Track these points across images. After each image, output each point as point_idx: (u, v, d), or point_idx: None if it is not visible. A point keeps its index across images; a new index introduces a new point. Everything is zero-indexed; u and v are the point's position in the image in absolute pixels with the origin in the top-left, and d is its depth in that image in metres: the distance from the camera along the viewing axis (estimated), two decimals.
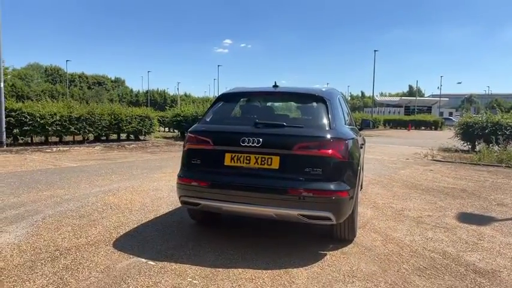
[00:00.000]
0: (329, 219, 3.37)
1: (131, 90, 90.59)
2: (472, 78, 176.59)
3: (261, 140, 3.47)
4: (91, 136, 15.37)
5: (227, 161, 3.58)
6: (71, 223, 4.40)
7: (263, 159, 3.47)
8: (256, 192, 3.43)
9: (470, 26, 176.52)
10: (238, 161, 3.54)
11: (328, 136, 3.47)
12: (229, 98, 4.45)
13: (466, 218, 5.08)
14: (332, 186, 3.35)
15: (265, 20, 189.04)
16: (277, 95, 4.43)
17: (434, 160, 11.88)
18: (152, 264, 3.26)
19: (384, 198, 6.15)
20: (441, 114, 62.90)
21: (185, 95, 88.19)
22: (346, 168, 3.48)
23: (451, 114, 69.43)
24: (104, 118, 14.94)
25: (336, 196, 3.34)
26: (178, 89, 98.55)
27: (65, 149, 12.93)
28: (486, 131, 13.65)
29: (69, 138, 14.78)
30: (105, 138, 15.92)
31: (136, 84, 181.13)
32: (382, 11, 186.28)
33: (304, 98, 4.25)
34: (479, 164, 10.86)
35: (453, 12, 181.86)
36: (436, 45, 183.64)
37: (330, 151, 3.39)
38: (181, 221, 4.57)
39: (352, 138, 3.77)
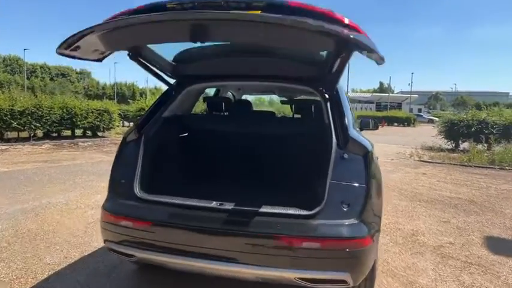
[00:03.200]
0: (344, 282, 2.09)
1: (97, 83, 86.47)
2: (440, 76, 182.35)
3: None
4: (39, 133, 13.46)
5: None
6: None
7: None
8: (225, 237, 2.11)
9: (439, 24, 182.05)
10: None
11: None
12: None
13: (496, 245, 3.96)
14: (345, 231, 2.07)
15: None
16: None
17: (422, 161, 10.93)
18: None
19: (386, 215, 4.96)
20: (411, 110, 63.63)
21: (155, 88, 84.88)
22: (366, 198, 2.19)
23: (420, 110, 70.46)
24: (54, 112, 13.06)
25: (353, 247, 2.06)
26: (147, 81, 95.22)
27: (3, 147, 11.04)
28: (472, 129, 12.90)
29: (13, 134, 12.85)
30: (56, 134, 14.01)
31: (104, 76, 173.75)
32: (354, 6, 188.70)
33: None
34: (470, 166, 10.00)
35: (423, 10, 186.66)
36: (406, 42, 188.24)
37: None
38: (117, 265, 3.15)
39: (371, 151, 2.49)
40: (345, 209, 2.11)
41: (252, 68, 2.73)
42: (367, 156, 2.28)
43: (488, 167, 9.81)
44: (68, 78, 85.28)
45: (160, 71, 2.83)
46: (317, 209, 2.09)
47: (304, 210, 2.14)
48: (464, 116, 13.63)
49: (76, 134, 14.75)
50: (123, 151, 2.60)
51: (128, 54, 2.45)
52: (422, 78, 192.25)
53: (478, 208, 5.53)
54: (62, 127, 13.78)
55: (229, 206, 2.20)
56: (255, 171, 3.12)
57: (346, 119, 2.43)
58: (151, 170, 2.54)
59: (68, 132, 14.61)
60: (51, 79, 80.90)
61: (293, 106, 3.18)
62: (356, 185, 2.18)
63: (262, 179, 3.05)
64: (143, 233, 2.21)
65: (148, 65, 2.65)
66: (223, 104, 3.28)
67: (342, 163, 2.24)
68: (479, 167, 9.90)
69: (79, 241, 3.68)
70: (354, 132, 2.44)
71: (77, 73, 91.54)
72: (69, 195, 5.48)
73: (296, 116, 3.41)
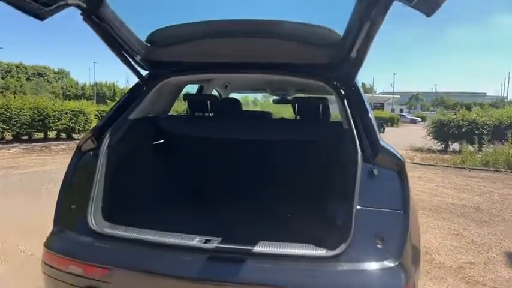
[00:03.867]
0: None
1: (76, 83, 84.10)
2: (420, 77, 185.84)
3: None
4: (8, 135, 12.51)
5: None
6: None
7: None
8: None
9: (420, 27, 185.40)
10: None
11: None
12: None
13: None
14: (382, 280, 1.49)
15: None
16: None
17: (414, 163, 10.53)
18: None
19: None
20: (393, 110, 64.13)
21: None
22: (406, 229, 1.62)
23: (401, 110, 71.14)
24: (23, 113, 12.13)
25: None
26: (128, 81, 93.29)
27: None
28: (463, 129, 12.63)
29: None
30: (27, 137, 13.06)
31: (83, 76, 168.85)
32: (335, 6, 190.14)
33: None
34: (465, 168, 9.65)
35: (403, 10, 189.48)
36: (388, 44, 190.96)
37: None
38: None
39: (405, 164, 1.91)
40: (379, 246, 1.54)
41: (246, 54, 2.12)
42: (402, 171, 1.72)
43: (483, 169, 9.48)
44: (45, 78, 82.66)
45: (129, 54, 2.13)
46: (342, 247, 1.51)
47: (322, 248, 1.56)
48: (454, 116, 13.37)
49: (49, 137, 13.82)
50: (76, 165, 1.97)
51: (82, 13, 1.77)
52: (402, 79, 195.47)
53: (487, 217, 5.07)
54: (33, 129, 12.86)
55: (216, 243, 1.59)
56: (252, 192, 2.49)
57: (372, 122, 1.86)
58: (113, 191, 1.92)
59: (40, 135, 13.67)
60: (28, 79, 78.14)
61: (296, 105, 2.58)
62: (392, 211, 1.62)
63: (262, 204, 2.43)
64: (99, 283, 1.58)
65: (110, 35, 1.95)
66: (209, 102, 2.66)
67: (371, 181, 1.67)
68: (474, 169, 9.57)
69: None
70: (381, 140, 1.87)
71: (54, 73, 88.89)
72: (27, 211, 4.75)
73: (297, 118, 2.78)
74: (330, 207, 2.05)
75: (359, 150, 1.71)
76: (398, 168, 1.71)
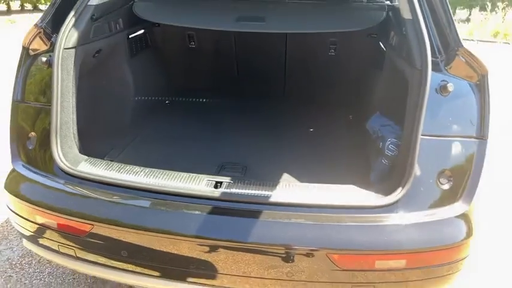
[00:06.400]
0: None
1: None
2: None
3: None
4: None
5: None
6: None
7: None
8: (223, 255, 1.17)
9: None
10: None
11: None
12: None
13: None
14: (452, 231, 1.17)
15: None
16: None
17: None
18: None
19: None
20: None
21: None
22: (482, 163, 1.21)
23: None
24: None
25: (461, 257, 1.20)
26: None
27: None
28: None
29: None
30: None
31: None
32: None
33: None
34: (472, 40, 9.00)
35: None
36: None
37: None
38: None
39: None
40: (444, 187, 1.17)
41: None
42: (485, 81, 1.21)
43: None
44: None
45: None
46: (399, 192, 1.13)
47: (371, 193, 1.20)
48: None
49: (13, 9, 12.23)
50: (26, 74, 1.42)
51: None
52: None
53: None
54: None
55: (232, 188, 1.20)
56: (263, 110, 1.98)
57: (447, 6, 1.28)
58: (85, 110, 1.44)
59: (3, 7, 12.04)
60: None
61: None
62: (468, 140, 1.19)
63: (278, 120, 1.95)
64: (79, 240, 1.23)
65: None
66: None
67: (441, 100, 1.19)
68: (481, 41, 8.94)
69: None
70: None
71: None
72: None
73: None
74: (374, 133, 1.59)
75: (428, 53, 1.16)
76: (481, 76, 1.20)
